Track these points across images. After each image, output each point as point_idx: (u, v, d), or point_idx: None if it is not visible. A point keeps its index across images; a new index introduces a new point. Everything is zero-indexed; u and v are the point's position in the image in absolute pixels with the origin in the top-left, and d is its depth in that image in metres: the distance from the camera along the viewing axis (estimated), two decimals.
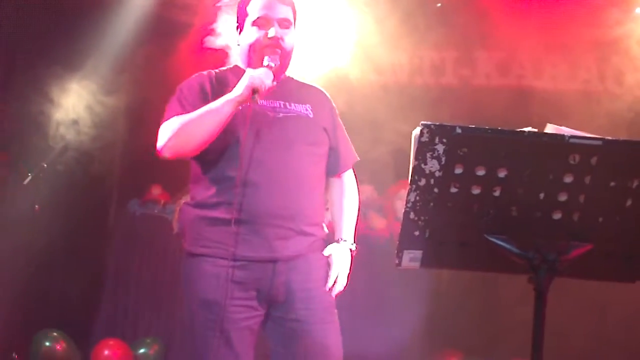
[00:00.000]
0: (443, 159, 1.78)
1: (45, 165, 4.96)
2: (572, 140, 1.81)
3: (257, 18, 3.03)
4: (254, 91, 2.86)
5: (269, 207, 2.90)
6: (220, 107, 2.90)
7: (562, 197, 1.87)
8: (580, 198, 1.87)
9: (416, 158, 1.78)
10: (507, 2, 5.53)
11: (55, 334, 5.48)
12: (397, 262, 1.91)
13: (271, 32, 3.00)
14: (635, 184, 1.86)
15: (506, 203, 1.86)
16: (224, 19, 5.45)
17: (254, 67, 2.99)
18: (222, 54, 5.66)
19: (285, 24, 3.03)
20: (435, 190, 1.81)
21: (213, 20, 5.60)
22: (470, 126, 1.77)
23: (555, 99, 5.67)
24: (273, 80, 2.92)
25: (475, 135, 1.78)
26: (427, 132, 1.76)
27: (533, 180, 1.84)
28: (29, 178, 4.92)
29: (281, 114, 3.00)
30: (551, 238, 1.91)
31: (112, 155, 6.49)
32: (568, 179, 1.85)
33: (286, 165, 2.94)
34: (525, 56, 6.10)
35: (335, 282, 3.03)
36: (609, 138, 1.83)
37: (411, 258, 1.91)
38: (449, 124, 1.75)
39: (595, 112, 5.56)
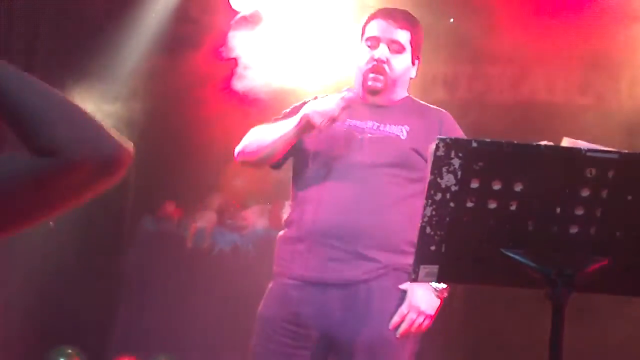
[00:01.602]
0: (459, 173, 1.77)
1: None
2: (588, 153, 1.80)
3: (367, 38, 3.01)
4: (316, 125, 2.82)
5: (325, 226, 2.82)
6: (286, 127, 2.92)
7: (579, 211, 1.85)
8: (597, 212, 1.86)
9: (432, 172, 1.77)
10: (521, 17, 5.53)
11: (69, 350, 5.50)
12: (413, 277, 1.91)
13: (376, 53, 2.96)
14: None
15: (522, 217, 1.85)
16: (236, 34, 5.50)
17: (360, 87, 2.99)
18: (232, 68, 5.71)
19: (395, 47, 2.97)
20: (452, 204, 1.81)
21: (225, 35, 5.65)
22: (486, 140, 1.77)
23: (568, 113, 5.65)
24: (343, 109, 2.86)
25: (491, 149, 1.78)
26: (443, 146, 1.75)
27: (549, 194, 1.84)
28: None
29: (368, 135, 2.94)
30: (568, 252, 1.90)
31: (126, 172, 6.52)
32: (585, 192, 1.84)
33: (358, 185, 2.86)
34: (539, 71, 6.09)
35: (403, 320, 2.78)
36: (626, 152, 1.82)
37: (427, 273, 1.90)
38: (464, 138, 1.75)
39: (609, 126, 5.55)
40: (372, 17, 3.05)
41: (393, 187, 2.87)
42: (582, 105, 5.93)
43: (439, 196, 1.80)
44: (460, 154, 1.76)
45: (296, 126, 2.88)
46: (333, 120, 2.84)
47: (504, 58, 5.96)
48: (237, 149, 3.06)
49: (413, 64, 3.06)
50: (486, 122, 5.72)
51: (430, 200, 1.81)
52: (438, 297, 2.83)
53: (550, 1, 5.28)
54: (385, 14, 3.04)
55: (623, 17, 5.40)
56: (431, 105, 3.13)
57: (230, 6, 5.57)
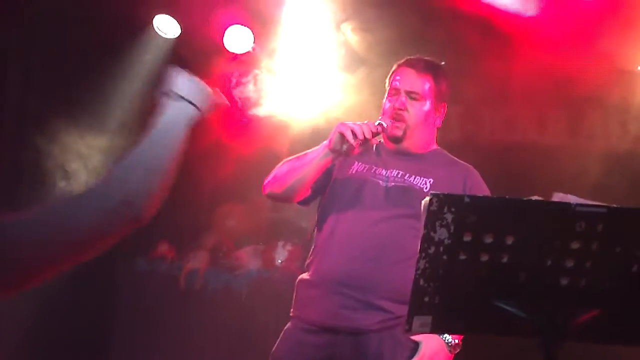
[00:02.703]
0: (452, 227, 1.81)
1: None
2: (578, 208, 1.85)
3: (389, 89, 3.13)
4: (345, 140, 2.87)
5: (339, 274, 2.86)
6: (314, 152, 2.97)
7: (569, 263, 1.90)
8: (587, 264, 1.90)
9: (425, 227, 1.82)
10: (511, 58, 5.61)
11: None
12: (407, 327, 1.94)
13: (396, 103, 3.06)
14: None
15: (514, 269, 1.89)
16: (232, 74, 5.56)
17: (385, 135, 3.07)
18: (226, 107, 5.75)
19: (413, 95, 3.06)
20: (445, 257, 1.85)
21: (219, 76, 5.71)
22: (478, 195, 1.81)
23: (559, 154, 5.71)
24: (374, 137, 2.93)
25: (483, 204, 1.83)
26: (436, 202, 1.80)
27: (540, 247, 1.88)
28: None
29: (392, 184, 3.00)
30: (559, 303, 1.94)
31: None
32: (575, 245, 1.88)
33: (377, 235, 2.89)
34: (530, 112, 6.16)
35: None
36: (614, 206, 1.87)
37: (421, 323, 1.93)
38: (457, 194, 1.79)
39: (603, 169, 5.61)
40: (396, 68, 3.17)
41: (411, 239, 2.82)
42: (572, 146, 5.99)
43: (432, 249, 1.84)
44: (453, 209, 1.80)
45: (327, 144, 2.92)
46: (364, 141, 2.89)
47: (495, 99, 6.03)
48: (266, 180, 3.08)
49: (437, 111, 3.11)
50: (477, 164, 5.78)
51: (424, 254, 1.85)
52: (450, 352, 2.86)
53: (541, 43, 5.36)
54: (407, 63, 3.15)
55: (611, 60, 5.49)
56: (459, 160, 3.18)
57: (225, 47, 5.65)
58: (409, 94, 3.06)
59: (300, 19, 5.39)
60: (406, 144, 3.06)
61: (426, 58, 3.20)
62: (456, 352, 2.86)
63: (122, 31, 5.72)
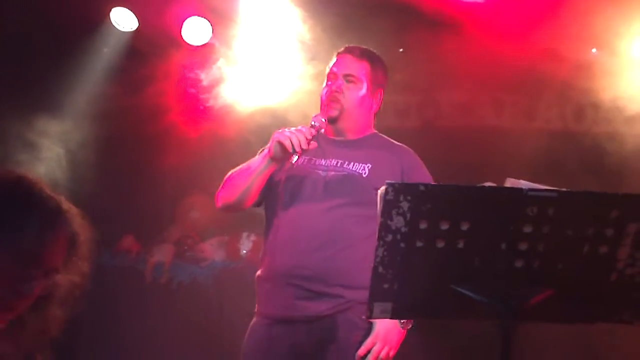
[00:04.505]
0: (408, 215, 1.86)
1: None
2: (530, 193, 1.91)
3: (328, 74, 3.22)
4: (285, 148, 2.92)
5: (288, 268, 2.95)
6: (256, 163, 3.04)
7: (523, 247, 1.96)
8: (539, 247, 1.96)
9: (382, 215, 1.86)
10: (468, 45, 5.67)
11: None
12: (368, 314, 1.99)
13: (334, 85, 3.14)
14: (590, 231, 1.96)
15: (470, 254, 1.94)
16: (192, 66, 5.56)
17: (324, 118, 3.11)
18: (187, 101, 5.76)
19: (350, 78, 3.14)
20: (402, 245, 1.89)
21: (179, 68, 5.70)
22: (433, 184, 1.87)
23: (517, 138, 5.80)
24: (313, 138, 2.98)
25: (438, 192, 1.87)
26: (392, 191, 1.84)
27: (494, 231, 1.93)
28: None
29: (331, 173, 3.07)
30: (514, 285, 2.00)
31: (82, 205, 6.48)
32: (527, 229, 1.94)
33: (319, 226, 2.97)
34: (487, 97, 6.24)
35: (369, 351, 2.90)
36: (564, 190, 1.93)
37: (381, 310, 1.99)
38: (412, 183, 1.84)
39: (558, 150, 5.71)
40: (335, 57, 3.23)
41: (354, 227, 2.99)
42: (529, 129, 6.08)
43: (390, 237, 1.89)
44: (408, 197, 1.85)
45: (267, 154, 2.97)
46: (304, 146, 2.94)
47: (453, 85, 6.10)
48: (217, 195, 3.15)
49: (373, 96, 3.17)
50: (437, 149, 5.84)
51: (381, 241, 1.90)
52: (403, 328, 2.95)
53: (497, 28, 5.42)
54: (346, 50, 3.26)
55: (567, 43, 5.57)
56: (396, 143, 3.24)
57: (183, 40, 5.64)
58: (345, 77, 3.16)
59: (257, 10, 5.40)
60: (342, 126, 3.13)
61: (365, 47, 3.30)
62: (408, 327, 2.94)
63: (79, 24, 5.68)
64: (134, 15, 5.67)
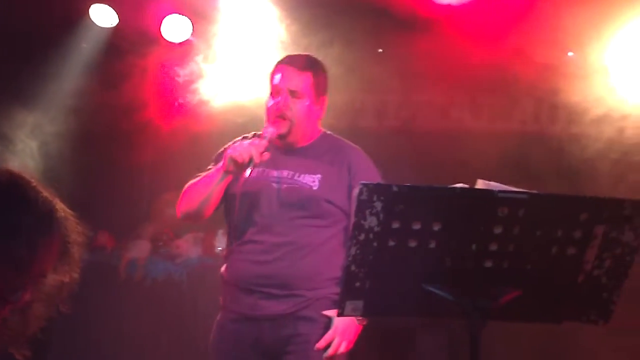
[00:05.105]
0: (381, 215, 1.89)
1: None
2: (500, 194, 1.94)
3: (272, 87, 3.20)
4: (238, 163, 2.99)
5: (250, 277, 3.08)
6: (211, 175, 3.11)
7: (493, 247, 1.99)
8: (509, 247, 2.00)
9: (356, 215, 1.89)
10: (446, 46, 5.71)
11: None
12: (340, 312, 2.02)
13: (279, 102, 3.14)
14: (559, 233, 2.00)
15: (441, 254, 1.98)
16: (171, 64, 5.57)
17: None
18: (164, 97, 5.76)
19: (295, 93, 3.15)
20: (375, 244, 1.92)
21: (157, 65, 5.70)
22: (405, 185, 1.90)
23: (490, 140, 5.85)
24: (266, 149, 3.03)
25: (410, 192, 1.90)
26: (366, 191, 1.88)
27: (465, 232, 1.97)
28: None
29: (284, 185, 3.13)
30: (484, 285, 2.03)
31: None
32: (498, 230, 1.97)
33: (278, 236, 3.09)
34: (464, 98, 6.29)
35: (329, 344, 3.03)
36: (535, 192, 1.97)
37: (353, 308, 2.02)
38: (386, 183, 1.87)
39: (532, 152, 5.77)
40: (276, 66, 3.24)
41: (311, 235, 3.10)
42: (502, 130, 6.13)
43: (362, 236, 1.92)
44: (382, 198, 1.88)
45: (222, 168, 3.04)
46: (256, 159, 2.99)
47: (431, 86, 6.14)
48: (177, 206, 3.22)
49: (317, 104, 3.20)
50: (414, 149, 5.89)
51: (354, 240, 1.93)
52: (359, 323, 3.08)
53: (473, 31, 5.46)
54: (288, 61, 3.25)
55: (543, 46, 5.62)
56: (345, 141, 3.29)
57: (162, 37, 5.64)
58: (291, 92, 3.15)
59: (236, 8, 5.42)
60: (291, 139, 3.18)
61: (305, 54, 3.33)
62: (364, 324, 3.07)
63: (59, 19, 5.67)
64: (114, 12, 5.66)
